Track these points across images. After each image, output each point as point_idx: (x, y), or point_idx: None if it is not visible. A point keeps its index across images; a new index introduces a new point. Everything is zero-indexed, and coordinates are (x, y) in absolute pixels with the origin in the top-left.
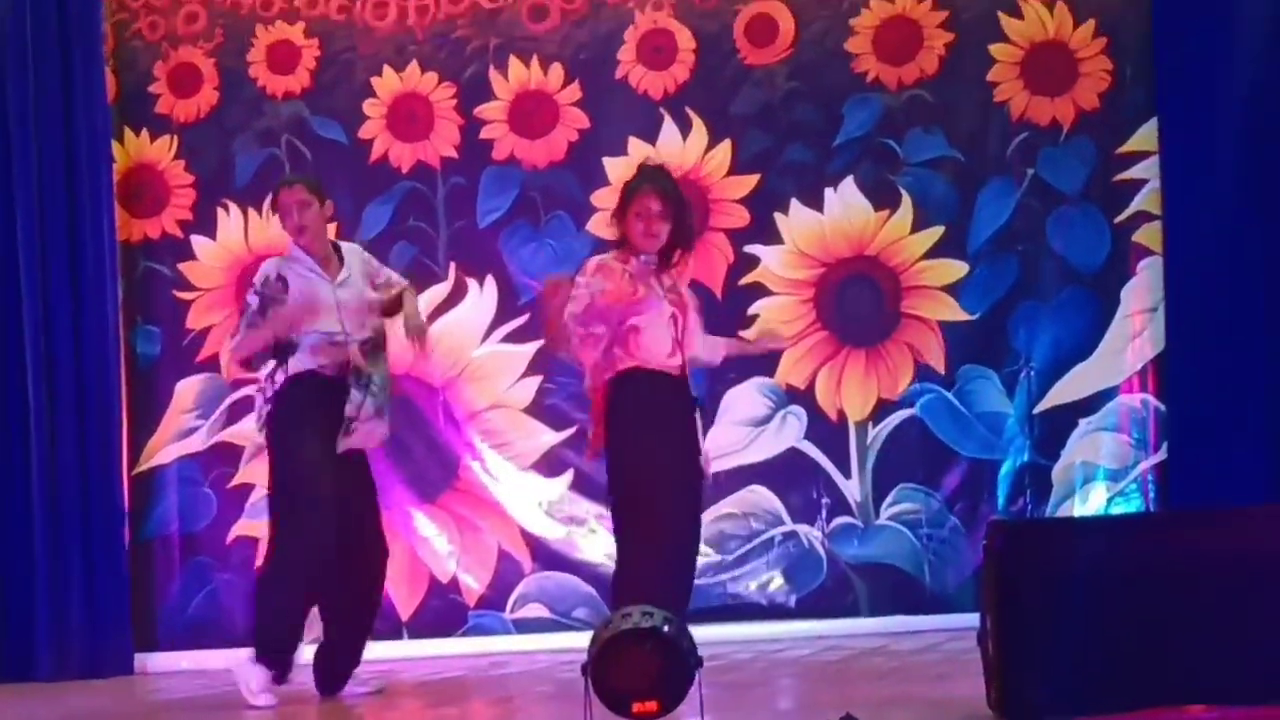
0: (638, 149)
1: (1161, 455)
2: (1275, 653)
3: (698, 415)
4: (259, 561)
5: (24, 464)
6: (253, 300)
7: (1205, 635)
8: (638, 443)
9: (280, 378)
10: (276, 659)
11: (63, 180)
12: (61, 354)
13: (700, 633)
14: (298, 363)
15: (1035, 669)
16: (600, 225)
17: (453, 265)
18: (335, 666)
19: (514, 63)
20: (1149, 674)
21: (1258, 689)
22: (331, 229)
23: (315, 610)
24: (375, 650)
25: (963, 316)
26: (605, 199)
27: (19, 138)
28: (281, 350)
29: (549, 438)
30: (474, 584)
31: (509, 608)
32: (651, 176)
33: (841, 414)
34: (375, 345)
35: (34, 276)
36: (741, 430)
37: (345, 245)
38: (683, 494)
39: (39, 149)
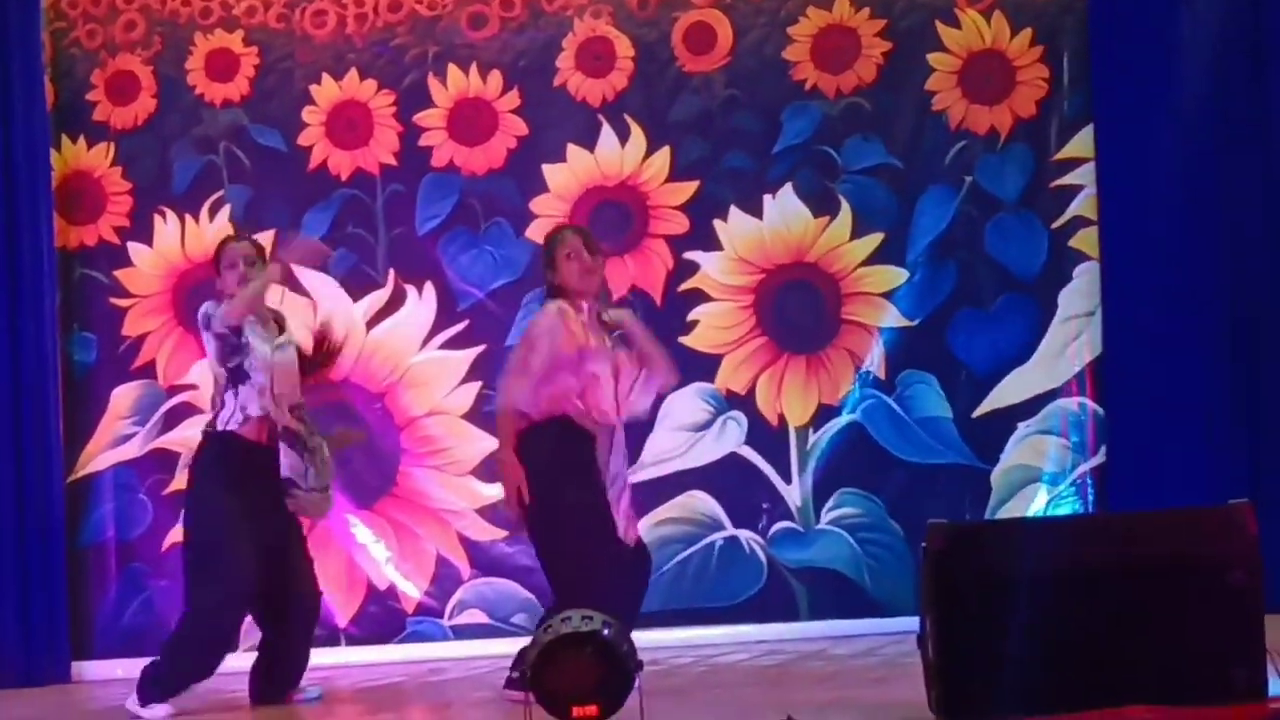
0: (576, 156)
1: (1100, 458)
2: (1212, 653)
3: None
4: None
5: None
6: (214, 342)
7: (1144, 636)
8: (563, 497)
9: (218, 421)
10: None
11: (1, 186)
12: None
13: (640, 637)
14: (231, 414)
15: (975, 670)
16: (539, 232)
17: (392, 272)
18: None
19: (453, 70)
20: (1089, 675)
21: (1195, 689)
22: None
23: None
24: (313, 657)
25: (902, 322)
26: (545, 205)
27: None
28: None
29: (488, 444)
30: (412, 590)
31: (447, 614)
32: (571, 229)
33: (782, 419)
34: (302, 412)
35: None
36: (681, 435)
37: (285, 313)
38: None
39: None
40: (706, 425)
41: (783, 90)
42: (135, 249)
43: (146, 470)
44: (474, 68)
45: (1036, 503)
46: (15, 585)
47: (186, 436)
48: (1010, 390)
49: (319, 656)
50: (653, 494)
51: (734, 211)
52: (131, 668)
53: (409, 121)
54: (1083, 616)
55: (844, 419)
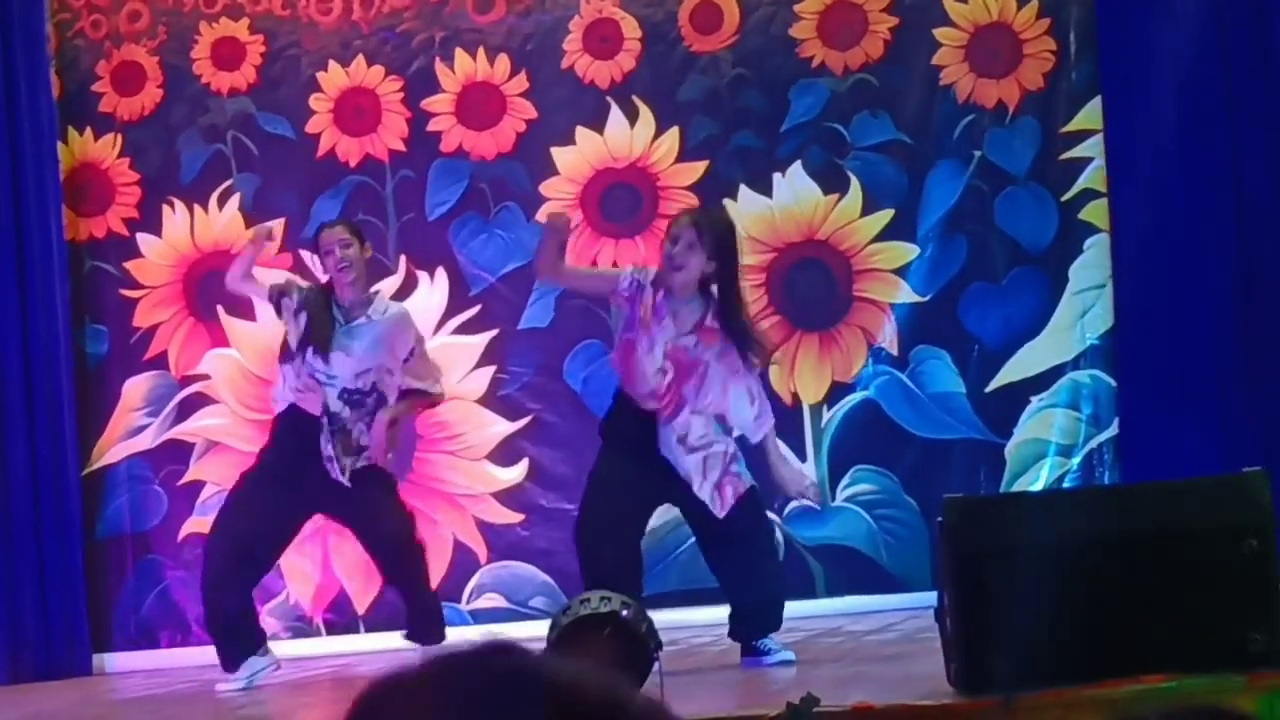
0: (586, 138)
1: (1113, 430)
2: (1229, 622)
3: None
4: None
5: None
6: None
7: (1160, 605)
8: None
9: (282, 400)
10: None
11: (8, 180)
12: (9, 356)
13: (659, 617)
14: (284, 393)
15: (994, 643)
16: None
17: (403, 258)
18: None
19: (460, 55)
20: (1106, 646)
21: (1213, 658)
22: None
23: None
24: (331, 645)
25: (914, 298)
26: (554, 189)
27: None
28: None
29: (503, 428)
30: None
31: (465, 598)
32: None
33: (795, 397)
34: (361, 399)
35: None
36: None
37: (395, 305)
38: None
39: None
40: None
41: (790, 68)
42: (145, 240)
43: (160, 461)
44: (481, 52)
45: (1050, 476)
46: (34, 579)
47: (200, 427)
48: (1023, 364)
49: (337, 644)
50: None
51: (744, 190)
52: (151, 659)
53: (417, 107)
54: (1099, 587)
55: (857, 395)
